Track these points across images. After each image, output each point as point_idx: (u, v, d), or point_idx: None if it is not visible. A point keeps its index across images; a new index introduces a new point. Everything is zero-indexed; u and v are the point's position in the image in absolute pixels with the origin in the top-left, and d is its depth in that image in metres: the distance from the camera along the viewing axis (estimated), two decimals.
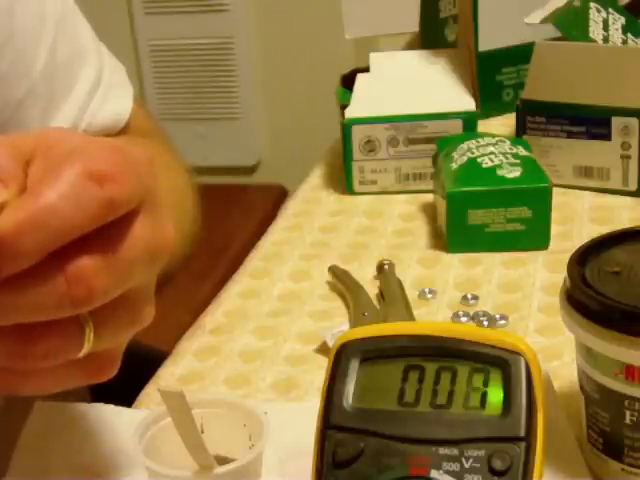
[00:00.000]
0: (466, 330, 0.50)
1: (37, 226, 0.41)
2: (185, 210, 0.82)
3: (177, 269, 0.79)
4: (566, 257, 0.57)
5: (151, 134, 0.88)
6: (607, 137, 0.93)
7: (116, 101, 0.82)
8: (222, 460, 0.55)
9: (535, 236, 0.85)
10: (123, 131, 0.82)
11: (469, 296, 0.78)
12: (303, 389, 0.69)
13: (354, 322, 0.75)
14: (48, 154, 0.44)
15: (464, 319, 0.75)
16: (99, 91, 0.80)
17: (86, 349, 0.45)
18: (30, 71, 0.75)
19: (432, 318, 0.76)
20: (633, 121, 0.91)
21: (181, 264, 0.80)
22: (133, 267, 0.45)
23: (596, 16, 1.01)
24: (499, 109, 1.11)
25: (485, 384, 0.48)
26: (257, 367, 0.72)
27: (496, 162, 0.87)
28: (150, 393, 0.70)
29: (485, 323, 0.74)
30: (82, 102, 0.79)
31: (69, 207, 0.41)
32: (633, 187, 0.93)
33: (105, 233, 0.43)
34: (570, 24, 0.99)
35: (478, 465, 0.46)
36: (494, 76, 1.11)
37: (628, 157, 0.92)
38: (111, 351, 0.48)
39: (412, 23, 1.22)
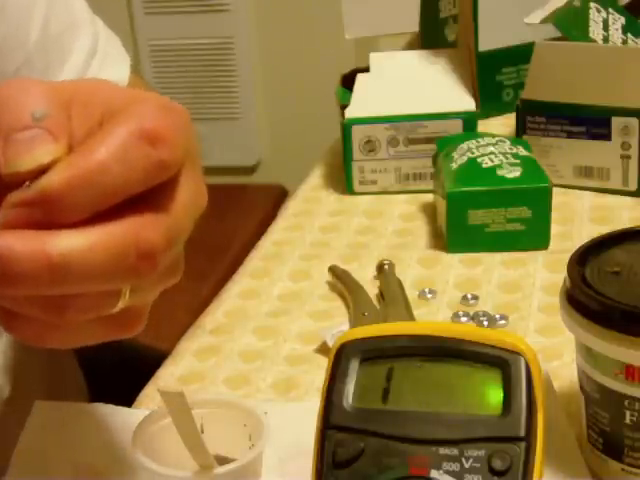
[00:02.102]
0: (466, 330, 0.50)
1: (88, 184, 0.41)
2: None
3: None
4: (566, 257, 0.57)
5: None
6: (607, 137, 0.93)
7: (113, 69, 0.82)
8: (222, 460, 0.55)
9: (535, 236, 0.85)
10: None
11: (469, 296, 0.78)
12: (303, 389, 0.69)
13: (354, 322, 0.75)
14: (88, 105, 0.44)
15: (464, 319, 0.75)
16: (95, 60, 0.80)
17: (122, 304, 0.44)
18: (24, 43, 0.75)
19: (432, 318, 0.76)
20: (633, 121, 0.91)
21: None
22: (184, 232, 0.45)
23: (596, 16, 1.01)
24: (499, 109, 1.11)
25: (485, 384, 0.48)
26: (257, 367, 0.72)
27: (496, 162, 0.87)
28: (150, 393, 0.70)
29: (485, 323, 0.74)
30: (79, 71, 0.79)
31: (121, 167, 0.41)
32: (633, 187, 0.93)
33: (159, 198, 0.43)
34: (570, 24, 0.99)
35: (478, 465, 0.46)
36: (494, 76, 1.11)
37: (628, 157, 0.92)
38: (140, 308, 0.47)
39: (412, 23, 1.22)
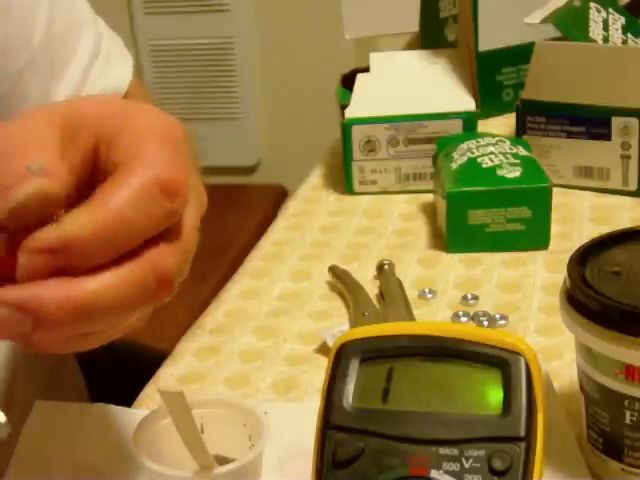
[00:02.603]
0: (466, 330, 0.50)
1: (108, 232, 0.43)
2: None
3: None
4: (566, 257, 0.57)
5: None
6: (607, 137, 0.93)
7: (116, 70, 0.82)
8: (222, 460, 0.55)
9: (535, 236, 0.85)
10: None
11: (469, 296, 0.78)
12: (303, 389, 0.69)
13: (354, 322, 0.75)
14: (78, 136, 0.46)
15: (464, 319, 0.75)
16: (99, 60, 0.80)
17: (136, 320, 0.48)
18: (28, 43, 0.75)
19: (432, 318, 0.76)
20: (633, 121, 0.91)
21: None
22: (193, 247, 0.48)
23: (596, 16, 1.01)
24: (499, 109, 1.11)
25: (485, 384, 0.48)
26: (257, 367, 0.72)
27: (496, 162, 0.87)
28: (150, 393, 0.70)
29: (485, 323, 0.74)
30: (82, 72, 0.79)
31: (138, 215, 0.43)
32: (633, 187, 0.93)
33: (170, 227, 0.46)
34: (570, 24, 0.99)
35: (478, 465, 0.46)
36: (494, 76, 1.11)
37: (628, 157, 0.92)
38: None
39: (412, 23, 1.22)
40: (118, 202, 0.43)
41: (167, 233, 0.45)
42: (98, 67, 0.80)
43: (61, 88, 0.77)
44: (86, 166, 0.46)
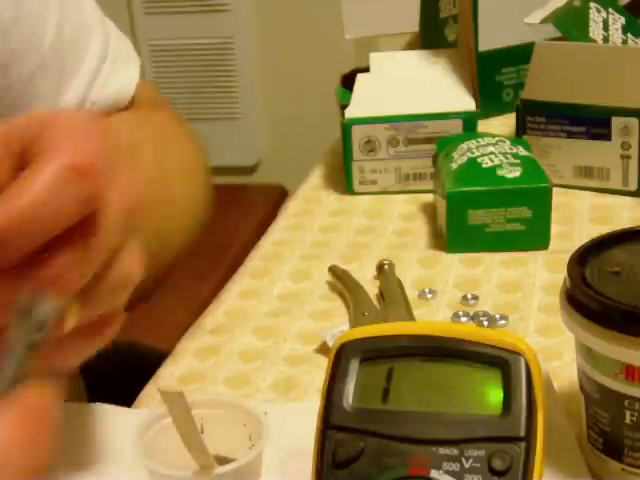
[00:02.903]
0: (466, 330, 0.50)
1: (25, 220, 0.43)
2: (194, 185, 0.83)
3: (183, 251, 0.81)
4: (566, 257, 0.57)
5: (160, 106, 0.88)
6: (607, 137, 0.93)
7: (123, 73, 0.82)
8: (222, 460, 0.55)
9: (535, 236, 0.85)
10: (131, 102, 0.83)
11: (469, 296, 0.78)
12: (303, 389, 0.69)
13: (354, 322, 0.75)
14: (7, 144, 0.46)
15: (464, 319, 0.75)
16: (106, 64, 0.81)
17: (73, 320, 0.47)
18: (39, 47, 0.76)
19: (432, 318, 0.76)
20: (633, 121, 0.91)
21: (187, 247, 0.82)
22: (115, 237, 0.48)
23: (596, 16, 1.01)
24: (499, 109, 1.11)
25: (485, 384, 0.48)
26: (257, 367, 0.72)
27: (496, 162, 0.87)
28: (150, 393, 0.70)
29: (485, 323, 0.74)
30: (90, 76, 0.79)
31: (55, 202, 0.43)
32: (633, 187, 0.93)
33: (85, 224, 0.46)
34: (570, 24, 0.99)
35: (478, 465, 0.46)
36: (494, 76, 1.11)
37: (628, 157, 0.92)
38: (110, 315, 0.51)
39: (412, 23, 1.22)
40: (33, 189, 0.43)
41: (80, 232, 0.45)
42: (106, 71, 0.80)
43: (70, 92, 0.78)
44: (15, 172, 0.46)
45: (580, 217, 0.91)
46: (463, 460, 0.46)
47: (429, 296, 0.79)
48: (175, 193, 0.80)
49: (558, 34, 1.00)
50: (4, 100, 0.76)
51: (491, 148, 0.89)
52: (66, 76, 0.78)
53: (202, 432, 0.55)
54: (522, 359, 0.47)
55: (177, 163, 0.81)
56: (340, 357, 0.50)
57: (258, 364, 0.73)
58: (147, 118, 0.82)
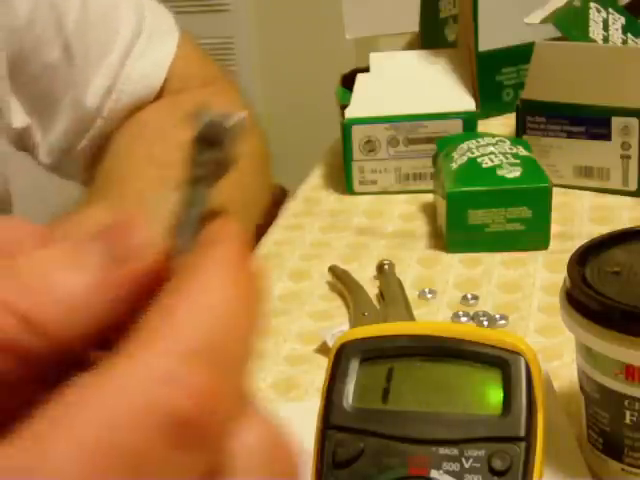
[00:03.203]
0: (466, 330, 0.50)
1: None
2: (251, 201, 0.83)
3: None
4: (566, 257, 0.57)
5: (209, 79, 0.87)
6: (607, 137, 0.93)
7: (159, 47, 0.81)
8: None
9: (535, 236, 0.85)
10: (165, 84, 0.82)
11: (469, 296, 0.78)
12: (303, 389, 0.69)
13: (354, 322, 0.75)
14: None
15: (464, 319, 0.75)
16: (140, 40, 0.80)
17: None
18: (62, 31, 0.75)
19: (432, 318, 0.76)
20: (633, 121, 0.91)
21: None
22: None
23: (596, 16, 1.01)
24: (499, 109, 1.11)
25: (485, 384, 0.48)
26: (257, 367, 0.72)
27: (496, 162, 0.87)
28: None
29: (485, 323, 0.74)
30: (121, 56, 0.79)
31: None
32: (633, 187, 0.93)
33: None
34: (570, 24, 1.00)
35: (478, 465, 0.46)
36: (494, 76, 1.11)
37: (628, 157, 0.92)
38: None
39: (412, 23, 1.22)
40: None
41: None
42: (139, 48, 0.79)
43: (99, 75, 0.77)
44: None
45: (580, 217, 0.91)
46: (463, 460, 0.46)
47: (429, 296, 0.79)
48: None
49: (558, 34, 1.00)
50: (33, 91, 0.76)
51: (491, 148, 0.89)
52: (92, 61, 0.77)
53: None
54: (522, 359, 0.47)
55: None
56: (340, 357, 0.50)
57: (258, 364, 0.73)
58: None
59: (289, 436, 0.31)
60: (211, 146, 0.31)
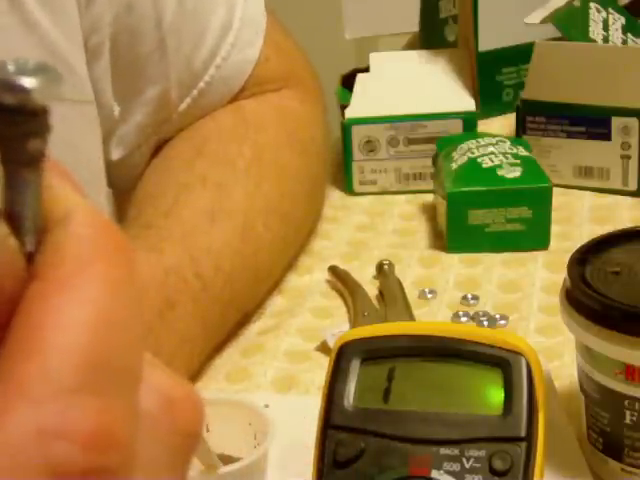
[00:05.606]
0: (466, 330, 0.50)
1: None
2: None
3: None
4: (566, 257, 0.57)
5: (283, 84, 0.87)
6: (607, 137, 0.93)
7: (243, 52, 0.82)
8: (227, 459, 0.55)
9: (535, 236, 0.85)
10: (248, 82, 0.83)
11: (469, 296, 0.78)
12: (303, 388, 0.69)
13: (354, 322, 0.75)
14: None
15: (464, 319, 0.75)
16: (229, 38, 0.80)
17: None
18: (159, 23, 0.75)
19: (432, 318, 0.76)
20: (633, 121, 0.91)
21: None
22: None
23: (596, 16, 1.01)
24: (499, 109, 1.11)
25: (486, 384, 0.48)
26: (257, 361, 0.72)
27: (496, 162, 0.87)
28: None
29: (485, 323, 0.74)
30: (210, 51, 0.79)
31: None
32: (633, 187, 0.93)
33: None
34: (570, 24, 1.00)
35: (479, 465, 0.46)
36: (494, 76, 1.11)
37: (628, 157, 0.93)
38: None
39: (412, 23, 1.22)
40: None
41: None
42: (225, 49, 0.80)
43: (185, 73, 0.78)
44: None
45: (580, 217, 0.91)
46: (464, 460, 0.46)
47: (429, 296, 0.79)
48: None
49: (558, 34, 1.00)
50: (119, 79, 0.75)
51: (491, 148, 0.89)
52: (184, 54, 0.78)
53: (207, 431, 0.55)
54: (523, 359, 0.47)
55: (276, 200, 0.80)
56: (341, 357, 0.50)
57: (258, 359, 0.73)
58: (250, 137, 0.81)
59: (186, 386, 0.29)
60: (13, 115, 0.25)
